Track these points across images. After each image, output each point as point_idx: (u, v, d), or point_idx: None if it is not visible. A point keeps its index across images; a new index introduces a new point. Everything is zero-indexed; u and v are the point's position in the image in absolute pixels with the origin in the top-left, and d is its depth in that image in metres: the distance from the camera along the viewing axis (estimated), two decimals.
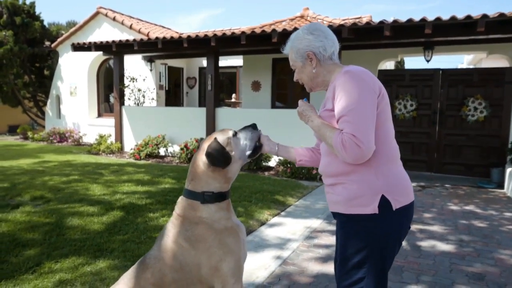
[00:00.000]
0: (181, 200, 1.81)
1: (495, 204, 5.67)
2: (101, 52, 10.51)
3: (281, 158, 6.53)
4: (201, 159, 1.78)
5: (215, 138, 1.79)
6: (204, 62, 12.93)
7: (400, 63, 18.43)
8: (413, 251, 3.74)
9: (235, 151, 1.80)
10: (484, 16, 5.90)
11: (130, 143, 10.30)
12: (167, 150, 9.57)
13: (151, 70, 11.89)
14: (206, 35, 8.05)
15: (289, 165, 7.37)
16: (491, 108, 7.45)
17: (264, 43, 7.82)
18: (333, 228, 4.37)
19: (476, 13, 6.09)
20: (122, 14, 12.65)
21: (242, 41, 7.66)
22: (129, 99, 10.87)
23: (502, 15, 5.82)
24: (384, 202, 1.60)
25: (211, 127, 8.88)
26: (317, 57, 1.74)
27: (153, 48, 9.32)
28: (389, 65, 13.92)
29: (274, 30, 7.33)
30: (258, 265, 3.33)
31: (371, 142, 1.52)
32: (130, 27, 11.71)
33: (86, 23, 12.56)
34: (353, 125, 1.51)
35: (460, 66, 15.85)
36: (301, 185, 6.60)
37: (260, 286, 2.96)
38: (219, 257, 1.69)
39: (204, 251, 1.69)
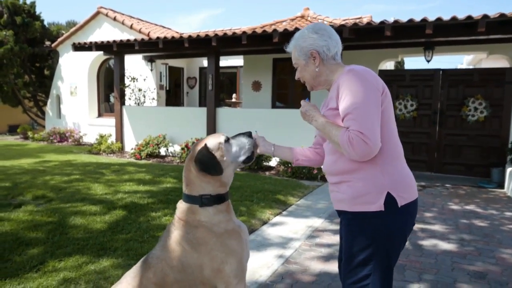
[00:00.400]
0: (180, 204, 1.81)
1: (495, 203, 5.69)
2: (101, 52, 10.52)
3: None
4: (192, 165, 1.78)
5: (205, 144, 1.77)
6: (204, 62, 12.95)
7: (400, 63, 18.46)
8: (415, 250, 3.76)
9: (227, 156, 1.78)
10: (485, 16, 5.93)
11: (130, 143, 10.31)
12: (167, 150, 9.57)
13: (151, 70, 11.90)
14: (207, 35, 8.06)
15: (289, 165, 7.38)
16: (491, 108, 7.47)
17: (265, 43, 7.83)
18: (335, 227, 4.39)
19: (476, 14, 6.12)
20: (123, 14, 12.66)
21: (243, 41, 7.67)
22: (129, 99, 10.88)
23: (502, 15, 5.85)
24: (389, 199, 1.62)
25: (211, 127, 8.89)
26: (320, 56, 1.76)
27: (154, 48, 9.34)
28: (389, 65, 13.93)
29: (275, 30, 7.35)
30: (261, 264, 3.35)
31: (377, 139, 1.54)
32: (131, 27, 11.73)
33: (86, 23, 12.57)
34: (359, 123, 1.53)
35: (459, 66, 15.87)
36: (302, 185, 6.62)
37: (263, 284, 2.97)
38: (221, 259, 1.70)
39: (206, 254, 1.70)
